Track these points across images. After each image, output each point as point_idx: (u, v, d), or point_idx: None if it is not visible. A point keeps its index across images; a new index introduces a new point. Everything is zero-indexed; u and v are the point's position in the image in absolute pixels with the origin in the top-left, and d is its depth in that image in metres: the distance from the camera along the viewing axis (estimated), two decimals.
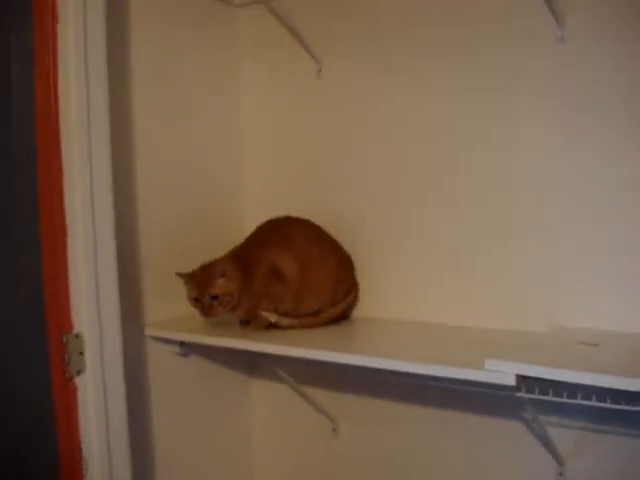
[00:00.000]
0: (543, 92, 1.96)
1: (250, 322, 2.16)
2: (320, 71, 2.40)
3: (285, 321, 2.16)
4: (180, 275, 2.08)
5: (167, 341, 2.27)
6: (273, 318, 2.15)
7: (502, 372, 1.54)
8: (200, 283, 2.05)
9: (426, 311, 2.21)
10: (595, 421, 1.91)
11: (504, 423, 2.08)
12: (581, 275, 1.93)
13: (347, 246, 2.32)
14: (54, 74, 1.79)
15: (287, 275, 2.16)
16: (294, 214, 2.31)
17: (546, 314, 1.98)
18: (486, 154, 2.08)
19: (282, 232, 2.25)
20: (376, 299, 2.33)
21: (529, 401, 1.66)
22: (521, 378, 1.54)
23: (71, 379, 1.84)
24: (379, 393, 2.34)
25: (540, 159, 1.98)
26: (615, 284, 1.88)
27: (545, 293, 1.99)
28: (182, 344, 2.29)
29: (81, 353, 1.85)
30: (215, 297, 2.04)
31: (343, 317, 2.27)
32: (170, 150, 2.33)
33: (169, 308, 2.29)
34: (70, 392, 1.85)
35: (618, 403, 1.53)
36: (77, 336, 1.84)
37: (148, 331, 2.23)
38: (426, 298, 2.22)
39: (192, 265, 2.11)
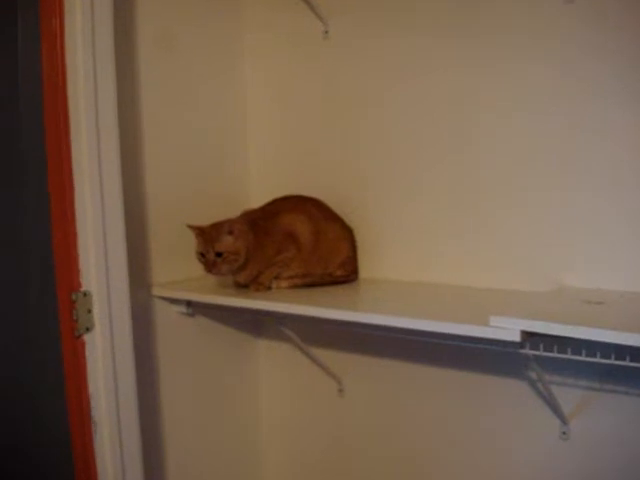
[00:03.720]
0: (550, 55, 1.95)
1: (248, 285, 2.16)
2: (327, 32, 2.38)
3: (284, 283, 2.18)
4: (191, 227, 2.09)
5: (174, 301, 2.30)
6: (282, 285, 2.17)
7: (507, 328, 1.54)
8: (208, 238, 2.06)
9: (430, 272, 2.22)
10: (599, 380, 1.92)
11: (508, 382, 2.09)
12: (585, 235, 1.93)
13: (354, 211, 2.34)
14: (61, 40, 1.80)
15: (302, 239, 2.18)
16: (298, 183, 2.37)
17: (550, 274, 1.98)
18: (491, 118, 2.06)
19: (295, 202, 2.28)
20: (380, 261, 2.34)
21: (533, 358, 1.68)
22: (526, 334, 1.54)
23: (80, 336, 1.86)
24: (384, 353, 2.35)
25: (544, 123, 1.97)
26: (619, 244, 1.88)
27: (549, 253, 1.99)
28: (189, 304, 2.32)
29: (89, 311, 1.87)
30: (220, 254, 2.05)
31: (346, 281, 2.28)
32: (175, 118, 2.34)
33: (176, 270, 2.31)
34: (79, 349, 1.87)
35: (623, 359, 1.54)
36: (85, 294, 1.86)
37: (155, 291, 2.25)
38: (430, 259, 2.23)
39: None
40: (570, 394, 1.97)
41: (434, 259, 2.22)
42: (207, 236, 2.07)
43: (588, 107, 1.89)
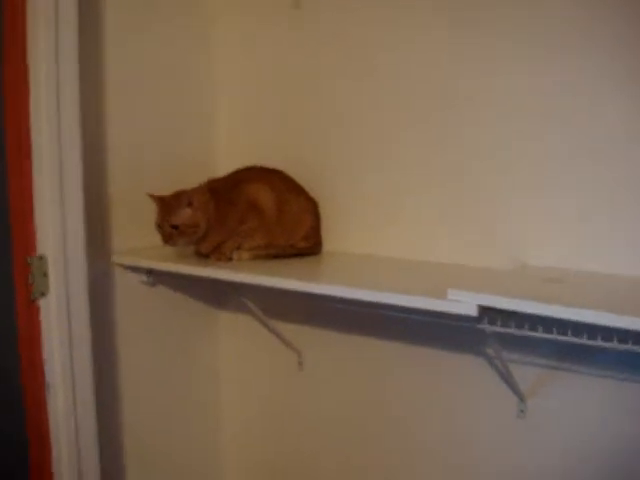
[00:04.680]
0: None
1: (208, 255, 2.14)
2: (298, 2, 2.34)
3: (246, 254, 2.15)
4: (151, 196, 2.05)
5: (134, 269, 2.27)
6: (244, 257, 2.14)
7: (464, 302, 1.54)
8: (166, 209, 2.03)
9: (393, 246, 2.20)
10: (556, 359, 1.93)
11: (467, 358, 2.09)
12: (545, 213, 1.92)
13: (318, 186, 2.32)
14: None
15: (265, 209, 2.16)
16: (264, 153, 2.34)
17: (510, 251, 1.98)
18: (464, 89, 2.04)
19: (259, 173, 2.25)
20: (344, 235, 2.32)
21: (491, 334, 1.68)
22: (483, 309, 1.55)
23: (34, 300, 1.84)
24: (344, 327, 2.34)
25: (503, 92, 1.96)
26: (578, 222, 1.88)
27: (509, 230, 1.99)
28: (150, 273, 2.29)
29: (45, 275, 1.85)
30: (175, 227, 2.02)
31: (310, 253, 2.26)
32: (140, 81, 2.29)
33: (139, 238, 2.26)
34: (33, 313, 1.85)
35: (579, 336, 1.54)
36: (41, 258, 1.83)
37: (115, 258, 2.22)
38: (393, 234, 2.21)
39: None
40: (527, 372, 1.97)
41: (397, 234, 2.20)
42: (166, 207, 2.04)
43: (560, 84, 1.88)
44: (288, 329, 2.46)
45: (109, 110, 2.18)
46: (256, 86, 2.51)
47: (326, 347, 2.42)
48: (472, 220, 2.05)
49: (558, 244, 1.92)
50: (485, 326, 1.62)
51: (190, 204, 2.02)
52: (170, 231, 2.02)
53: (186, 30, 2.46)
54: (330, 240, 2.33)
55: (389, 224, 2.23)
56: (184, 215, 2.02)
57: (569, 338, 1.55)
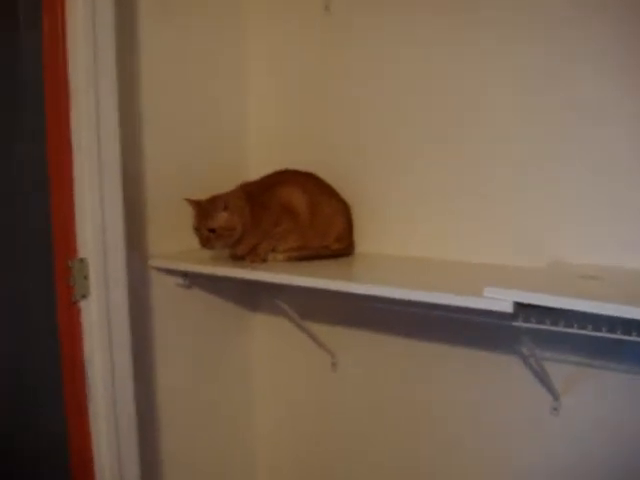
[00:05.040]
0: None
1: (242, 257, 2.17)
2: (327, 7, 2.37)
3: (280, 255, 2.19)
4: (188, 201, 2.09)
5: (171, 272, 2.30)
6: (279, 258, 2.17)
7: (500, 299, 1.55)
8: (203, 213, 2.07)
9: (426, 247, 2.23)
10: (590, 356, 1.94)
11: (501, 356, 2.11)
12: (580, 211, 1.94)
13: (350, 188, 2.35)
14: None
15: (299, 212, 2.19)
16: (296, 157, 2.38)
17: (546, 250, 1.99)
18: (491, 95, 2.07)
19: (292, 176, 2.28)
20: (377, 236, 2.35)
21: (526, 332, 1.70)
22: (519, 306, 1.56)
23: (76, 302, 1.88)
24: (378, 327, 2.37)
25: (542, 101, 1.97)
26: (613, 220, 1.89)
27: (545, 228, 2.00)
28: (185, 275, 2.32)
29: (85, 277, 1.88)
30: (213, 230, 2.06)
31: (343, 254, 2.29)
32: (175, 89, 2.33)
33: (174, 241, 2.31)
34: (74, 315, 1.89)
35: (614, 333, 1.56)
36: (82, 261, 1.87)
37: (152, 262, 2.26)
38: (426, 235, 2.23)
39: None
40: (561, 369, 1.99)
41: (430, 234, 2.23)
42: (203, 211, 2.07)
43: (583, 88, 1.90)
44: (322, 330, 2.49)
45: (146, 118, 2.22)
46: (287, 92, 2.55)
47: (359, 348, 2.44)
48: (504, 219, 2.07)
49: (593, 241, 1.93)
50: (520, 323, 1.63)
51: (226, 208, 2.05)
52: (207, 234, 2.05)
53: (219, 40, 2.50)
54: (362, 242, 2.36)
55: (420, 225, 2.25)
56: (221, 219, 2.05)
57: (604, 334, 1.57)
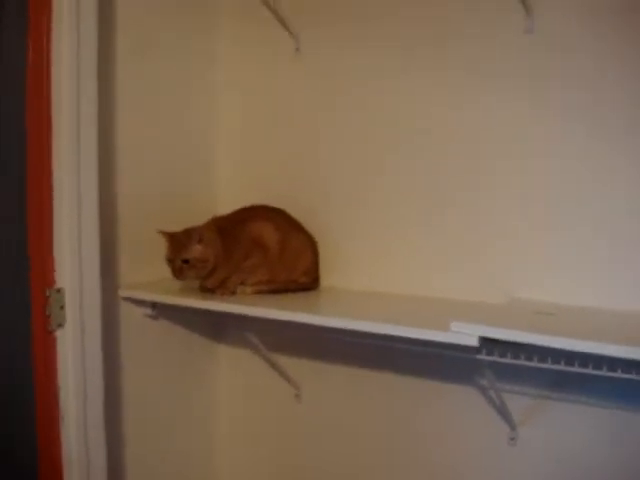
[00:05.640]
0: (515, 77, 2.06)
1: (212, 290, 2.21)
2: (298, 49, 2.46)
3: (249, 289, 2.24)
4: (162, 233, 2.13)
5: (139, 303, 2.33)
6: (248, 291, 2.22)
7: (466, 334, 1.63)
8: (176, 245, 2.11)
9: (390, 282, 2.29)
10: (548, 388, 2.01)
11: (461, 388, 2.17)
12: (535, 250, 2.03)
13: (316, 223, 2.40)
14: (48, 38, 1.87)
15: (269, 246, 2.25)
16: (263, 193, 2.44)
17: (503, 287, 2.08)
18: (455, 131, 2.16)
19: (263, 211, 2.33)
20: (341, 271, 2.40)
21: (488, 365, 1.78)
22: (483, 340, 1.64)
23: (52, 332, 1.91)
24: (342, 359, 2.42)
25: (501, 136, 2.08)
26: (566, 259, 1.99)
27: (503, 267, 2.09)
28: (154, 306, 2.36)
29: (62, 307, 1.92)
30: (186, 261, 2.10)
31: (309, 288, 2.35)
32: (148, 124, 2.38)
33: (144, 272, 2.34)
34: (50, 344, 1.92)
35: (572, 366, 1.64)
36: (59, 291, 1.91)
37: (121, 292, 2.28)
38: (389, 270, 2.30)
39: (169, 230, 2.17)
40: (520, 401, 2.06)
41: (394, 270, 2.29)
42: (176, 243, 2.12)
43: (550, 127, 2.00)
44: (286, 362, 2.53)
45: (120, 149, 2.26)
46: (256, 127, 2.61)
47: (324, 380, 2.48)
48: (466, 256, 2.15)
49: (548, 280, 2.02)
50: (483, 357, 1.71)
51: (201, 240, 2.10)
52: (181, 265, 2.10)
53: (192, 75, 2.56)
54: (328, 276, 2.41)
55: (385, 261, 2.31)
56: (195, 251, 2.10)
57: (562, 367, 1.65)
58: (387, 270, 2.31)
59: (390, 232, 2.30)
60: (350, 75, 2.36)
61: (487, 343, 1.66)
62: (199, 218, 2.23)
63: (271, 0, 2.38)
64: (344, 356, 2.40)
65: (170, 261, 2.12)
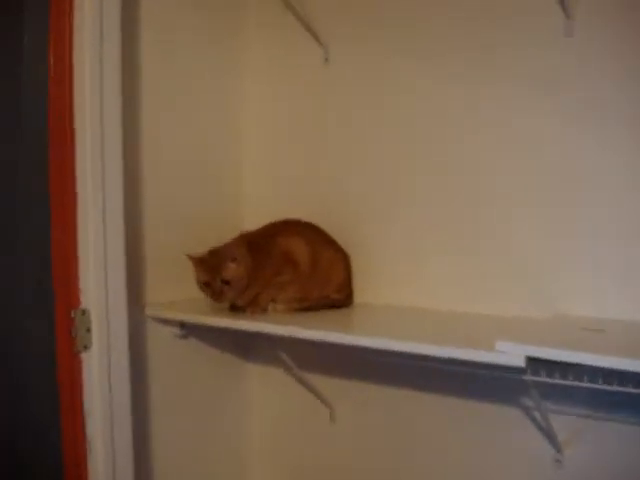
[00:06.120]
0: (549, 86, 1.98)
1: (242, 308, 2.14)
2: (327, 59, 2.40)
3: (281, 306, 2.17)
4: (190, 257, 2.07)
5: (167, 322, 2.27)
6: (279, 309, 2.16)
7: (512, 354, 1.54)
8: (211, 267, 2.04)
9: (429, 298, 2.21)
10: (594, 408, 1.92)
11: (504, 408, 2.09)
12: (581, 262, 1.95)
13: (349, 237, 2.34)
14: (70, 42, 1.81)
15: (300, 262, 2.18)
16: (293, 207, 2.39)
17: (546, 301, 2.00)
18: (491, 140, 2.09)
19: (293, 226, 2.28)
20: (376, 287, 2.33)
21: (533, 385, 1.68)
22: (529, 360, 1.54)
23: (77, 354, 1.85)
24: (377, 379, 2.34)
25: (543, 150, 2.00)
26: (617, 273, 1.90)
27: (549, 280, 2.00)
28: (182, 325, 2.30)
29: (88, 329, 1.86)
30: (227, 282, 2.04)
31: (343, 305, 2.28)
32: (174, 138, 2.35)
33: (170, 291, 2.30)
34: (76, 366, 1.86)
35: (625, 386, 1.55)
36: (84, 312, 1.85)
37: (149, 311, 2.23)
38: (428, 285, 2.23)
39: (195, 248, 2.10)
40: (565, 421, 1.96)
41: (432, 285, 2.22)
42: (209, 265, 2.05)
43: (589, 141, 1.93)
44: (320, 381, 2.46)
45: (145, 166, 2.23)
46: (284, 141, 2.56)
47: (359, 400, 2.41)
48: (510, 270, 2.07)
49: (595, 294, 1.93)
50: (530, 377, 1.62)
51: (234, 259, 2.04)
52: (221, 287, 2.03)
53: (219, 90, 2.53)
54: (362, 292, 2.34)
55: (421, 275, 2.24)
56: (232, 269, 2.04)
57: (615, 388, 1.56)
58: (424, 285, 2.24)
59: (427, 245, 2.23)
60: (382, 87, 2.31)
61: (533, 362, 1.56)
62: (227, 234, 2.17)
63: (300, 9, 2.33)
64: (380, 375, 2.33)
65: (206, 285, 2.06)
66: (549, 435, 1.96)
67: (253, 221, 2.36)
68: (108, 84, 1.87)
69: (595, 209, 1.93)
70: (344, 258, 2.31)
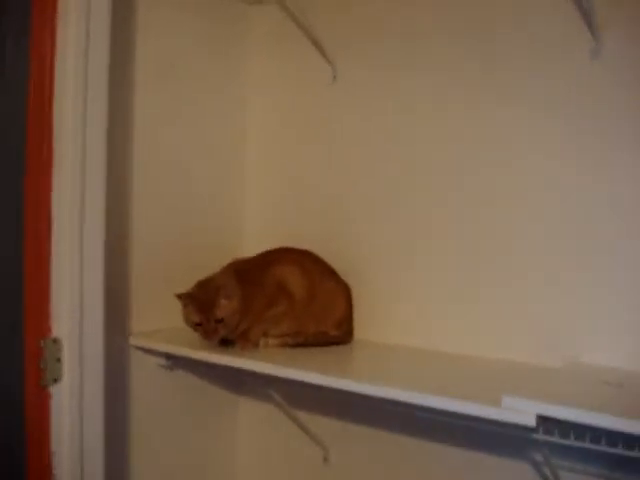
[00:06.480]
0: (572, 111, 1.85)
1: (232, 341, 1.99)
2: (335, 77, 2.28)
3: (273, 341, 2.03)
4: (179, 297, 1.93)
5: (153, 352, 2.13)
6: (271, 344, 2.02)
7: (521, 411, 1.38)
8: (202, 305, 1.90)
9: (433, 338, 2.07)
10: (610, 467, 1.76)
11: (509, 463, 1.93)
12: (598, 309, 1.81)
13: (350, 269, 2.21)
14: (51, 63, 1.67)
15: (295, 293, 2.04)
16: (293, 235, 2.28)
17: (565, 349, 1.85)
18: (506, 175, 1.96)
19: (289, 254, 2.14)
20: (378, 323, 2.19)
21: (545, 443, 1.52)
22: (541, 418, 1.39)
23: (46, 387, 1.69)
24: (375, 421, 2.19)
25: (556, 184, 1.87)
26: (633, 321, 1.76)
27: (560, 325, 1.87)
28: (168, 357, 2.16)
29: (59, 360, 1.70)
30: (220, 320, 1.89)
31: (340, 342, 2.12)
32: (168, 156, 2.23)
33: (157, 318, 2.16)
34: (44, 401, 1.69)
35: None
36: (55, 341, 1.69)
37: (133, 341, 2.10)
38: (433, 324, 2.09)
39: (186, 276, 1.98)
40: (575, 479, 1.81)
41: (437, 324, 2.08)
42: (200, 302, 1.91)
43: (610, 177, 1.79)
44: (314, 420, 2.32)
45: (133, 184, 2.10)
46: (287, 163, 2.44)
47: (355, 443, 2.26)
48: (520, 312, 1.93)
49: (613, 342, 1.79)
50: (542, 436, 1.46)
51: (227, 295, 1.90)
52: (215, 326, 1.90)
53: (218, 106, 2.40)
54: (362, 327, 2.20)
55: (427, 313, 2.10)
56: (225, 306, 1.90)
57: (637, 454, 1.39)
58: (430, 325, 2.10)
59: (436, 282, 2.09)
60: (390, 105, 2.18)
61: (546, 420, 1.40)
62: (220, 262, 2.05)
63: (307, 24, 2.19)
64: (379, 418, 2.18)
65: (199, 325, 1.91)
66: None
67: (252, 249, 2.24)
68: (92, 93, 1.72)
69: (613, 257, 1.79)
70: (345, 290, 2.17)
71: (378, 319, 2.19)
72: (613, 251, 1.78)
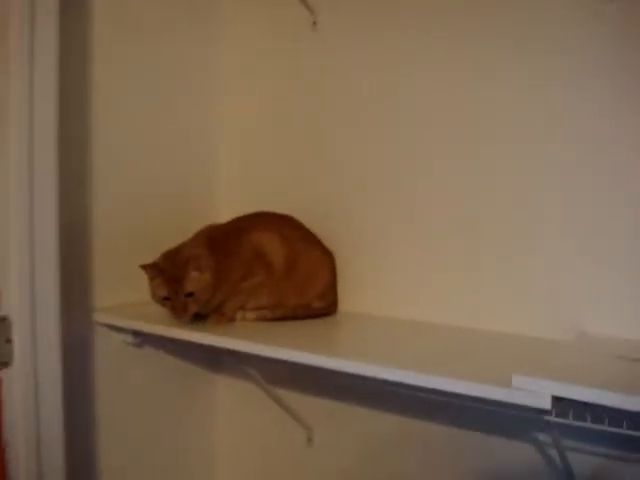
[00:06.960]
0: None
1: (206, 316, 1.83)
2: (315, 23, 2.11)
3: (251, 315, 1.87)
4: (144, 268, 1.75)
5: (119, 329, 1.97)
6: (248, 318, 1.86)
7: (534, 392, 1.23)
8: (170, 278, 1.72)
9: (426, 309, 1.93)
10: (620, 447, 1.64)
11: (515, 443, 1.80)
12: (608, 276, 1.67)
13: (334, 235, 2.06)
14: None
15: (274, 262, 1.88)
16: (272, 198, 2.15)
17: (568, 319, 1.71)
18: (505, 126, 1.80)
19: (267, 220, 1.98)
20: (364, 293, 2.05)
21: (557, 425, 1.36)
22: (555, 400, 1.23)
23: None
24: (362, 400, 2.06)
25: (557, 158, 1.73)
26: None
27: (567, 295, 1.72)
28: (136, 333, 2.00)
29: (8, 341, 1.53)
30: (190, 294, 1.72)
31: (323, 314, 1.97)
32: (133, 114, 2.06)
33: (124, 292, 1.99)
34: None
35: None
36: (3, 320, 1.52)
37: (97, 317, 1.93)
38: (426, 294, 1.94)
39: (152, 247, 1.80)
40: (584, 461, 1.68)
41: (431, 293, 1.93)
42: (168, 275, 1.73)
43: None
44: (296, 399, 2.20)
45: (96, 147, 1.93)
46: (264, 122, 2.28)
47: (341, 422, 2.14)
48: (521, 280, 1.79)
49: (623, 311, 1.65)
50: (554, 418, 1.30)
51: (198, 267, 1.73)
52: (185, 301, 1.72)
53: (190, 63, 2.24)
54: (346, 298, 2.05)
55: (420, 280, 1.96)
56: (196, 279, 1.72)
57: None
58: (425, 294, 1.95)
59: (427, 247, 1.94)
60: (380, 58, 2.02)
61: (560, 401, 1.24)
62: (192, 229, 1.90)
63: None
64: (365, 397, 2.05)
65: (167, 299, 1.74)
66: (566, 474, 1.65)
67: (225, 212, 2.12)
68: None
69: (618, 223, 1.66)
70: (329, 259, 2.01)
71: (365, 288, 2.04)
72: (620, 217, 1.65)
